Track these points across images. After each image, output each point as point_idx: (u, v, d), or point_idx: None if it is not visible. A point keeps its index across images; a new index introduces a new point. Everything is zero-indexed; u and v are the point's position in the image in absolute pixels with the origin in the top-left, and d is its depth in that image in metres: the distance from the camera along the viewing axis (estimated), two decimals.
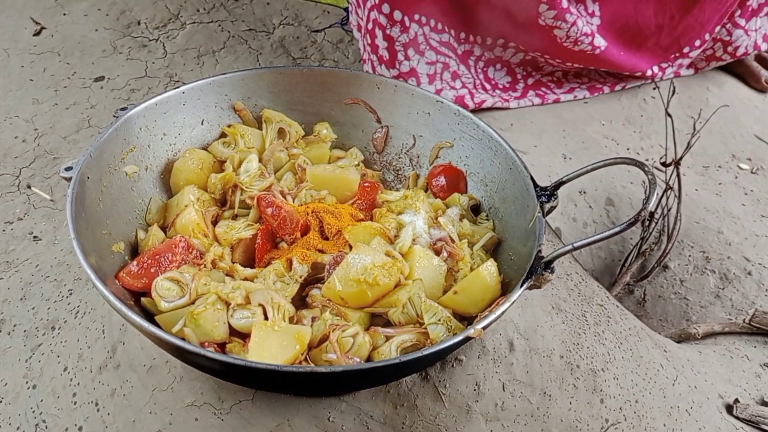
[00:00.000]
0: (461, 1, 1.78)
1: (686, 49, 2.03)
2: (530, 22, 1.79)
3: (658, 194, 1.10)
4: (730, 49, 2.12)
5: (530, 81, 2.03)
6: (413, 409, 1.23)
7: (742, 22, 2.05)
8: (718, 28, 2.03)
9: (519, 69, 2.00)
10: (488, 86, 1.96)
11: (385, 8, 1.71)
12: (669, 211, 1.77)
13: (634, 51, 2.00)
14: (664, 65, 2.08)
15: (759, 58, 2.29)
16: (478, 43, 1.89)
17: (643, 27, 1.98)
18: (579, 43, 1.86)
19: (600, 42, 1.90)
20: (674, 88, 1.78)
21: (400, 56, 1.78)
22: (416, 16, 1.75)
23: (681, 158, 1.70)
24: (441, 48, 1.82)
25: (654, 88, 2.09)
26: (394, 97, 1.46)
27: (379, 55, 1.79)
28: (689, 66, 2.17)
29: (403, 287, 1.17)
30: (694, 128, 1.73)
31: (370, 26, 1.77)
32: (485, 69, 1.95)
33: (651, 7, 1.95)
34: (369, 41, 1.79)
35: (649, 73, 2.05)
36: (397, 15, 1.73)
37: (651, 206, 1.07)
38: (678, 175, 1.73)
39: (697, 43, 2.03)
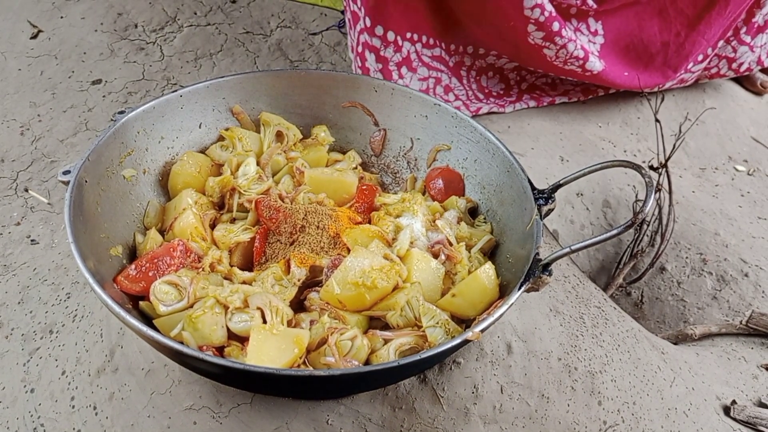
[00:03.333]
0: (453, 17, 1.78)
1: (690, 65, 2.03)
2: (520, 41, 1.78)
3: (655, 197, 1.10)
4: (734, 65, 2.11)
5: (524, 86, 2.03)
6: (411, 412, 1.24)
7: (747, 38, 2.04)
8: (721, 44, 2.02)
9: (512, 74, 2.00)
10: (481, 95, 1.97)
11: (378, 30, 1.72)
12: (661, 211, 1.77)
13: (642, 70, 1.99)
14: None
15: None
16: (468, 53, 1.89)
17: (648, 44, 1.96)
18: (568, 63, 1.85)
19: (594, 65, 1.88)
20: (663, 96, 1.79)
21: (395, 75, 1.79)
22: (408, 34, 1.75)
23: (668, 159, 1.71)
24: (433, 63, 1.83)
25: (642, 95, 2.09)
26: (392, 100, 1.47)
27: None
28: (694, 81, 2.17)
29: (401, 290, 1.17)
30: (680, 131, 1.74)
31: (360, 49, 1.77)
32: (478, 78, 1.95)
33: (655, 25, 1.94)
34: (360, 63, 1.80)
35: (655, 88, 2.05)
36: (391, 35, 1.73)
37: (648, 209, 1.07)
38: (668, 176, 1.74)
39: (700, 57, 2.02)
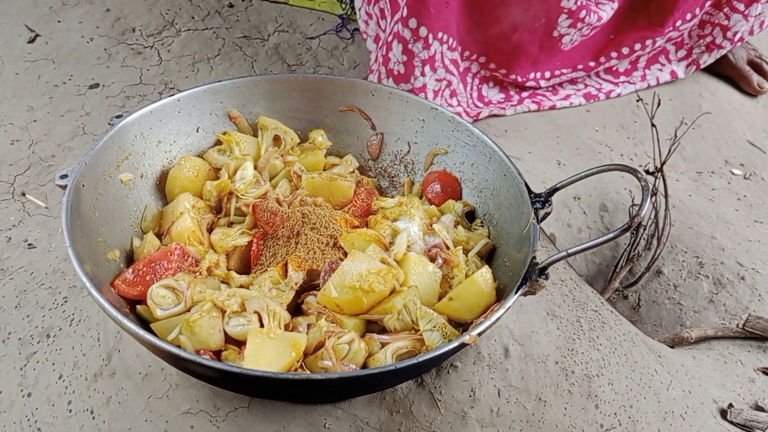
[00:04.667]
0: (476, 19, 1.78)
1: (678, 23, 2.02)
2: (544, 36, 1.82)
3: (651, 200, 1.11)
4: (729, 34, 2.11)
5: (524, 94, 2.05)
6: (409, 415, 1.24)
7: (740, 6, 2.05)
8: (710, 8, 2.02)
9: (511, 87, 2.02)
10: (481, 104, 1.98)
11: (412, 23, 1.70)
12: (657, 215, 1.78)
13: (628, 29, 2.01)
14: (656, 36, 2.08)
15: (752, 63, 2.30)
16: (478, 62, 1.90)
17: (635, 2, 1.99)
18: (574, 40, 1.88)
19: (605, 12, 1.90)
20: (659, 99, 1.80)
21: (417, 72, 1.78)
22: (439, 34, 1.75)
23: (664, 163, 1.72)
24: (450, 66, 1.83)
25: (638, 100, 2.10)
26: (389, 104, 1.47)
27: (389, 68, 1.79)
28: (690, 63, 2.17)
29: (398, 294, 1.17)
30: (676, 135, 1.74)
31: (390, 38, 1.76)
32: (479, 86, 1.97)
33: None
34: (384, 53, 1.78)
35: (636, 45, 2.06)
36: (423, 31, 1.71)
37: (644, 212, 1.08)
38: (664, 180, 1.74)
39: (688, 16, 2.02)
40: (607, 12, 1.89)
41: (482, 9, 1.78)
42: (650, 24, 2.02)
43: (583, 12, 1.77)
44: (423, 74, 1.80)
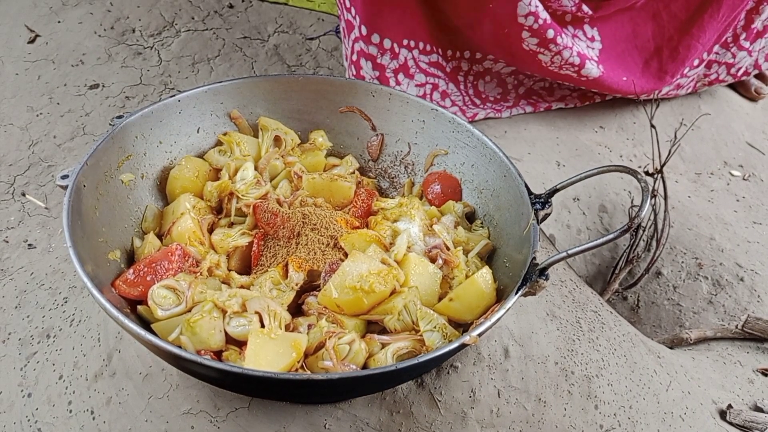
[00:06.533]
0: (448, 23, 1.78)
1: (686, 69, 2.03)
2: (515, 47, 1.78)
3: (651, 202, 1.11)
4: (733, 71, 2.13)
5: (521, 90, 2.03)
6: (409, 416, 1.24)
7: (746, 44, 2.06)
8: (720, 50, 2.04)
9: (510, 78, 2.00)
10: (478, 101, 1.97)
11: (375, 38, 1.71)
12: (657, 216, 1.78)
13: (638, 75, 1.99)
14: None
15: None
16: (465, 58, 1.89)
17: (642, 50, 1.97)
18: (564, 69, 1.85)
19: (590, 71, 1.86)
20: (658, 101, 1.79)
21: (392, 82, 1.79)
22: (405, 41, 1.75)
23: (664, 164, 1.72)
24: (430, 69, 1.83)
25: (638, 101, 2.10)
26: (389, 105, 1.47)
27: None
28: (693, 89, 2.18)
29: (398, 294, 1.18)
30: (675, 136, 1.74)
31: (354, 57, 1.77)
32: (475, 83, 1.95)
33: (649, 29, 1.94)
34: (354, 72, 1.80)
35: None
36: (387, 43, 1.73)
37: (644, 214, 1.08)
38: (664, 182, 1.75)
39: (696, 62, 2.03)
40: (584, 50, 1.85)
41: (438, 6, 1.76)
42: (660, 72, 2.00)
43: (551, 32, 1.73)
44: (398, 83, 1.81)
